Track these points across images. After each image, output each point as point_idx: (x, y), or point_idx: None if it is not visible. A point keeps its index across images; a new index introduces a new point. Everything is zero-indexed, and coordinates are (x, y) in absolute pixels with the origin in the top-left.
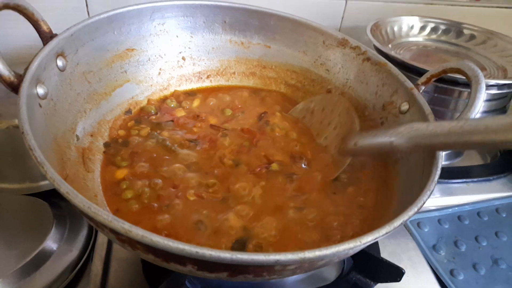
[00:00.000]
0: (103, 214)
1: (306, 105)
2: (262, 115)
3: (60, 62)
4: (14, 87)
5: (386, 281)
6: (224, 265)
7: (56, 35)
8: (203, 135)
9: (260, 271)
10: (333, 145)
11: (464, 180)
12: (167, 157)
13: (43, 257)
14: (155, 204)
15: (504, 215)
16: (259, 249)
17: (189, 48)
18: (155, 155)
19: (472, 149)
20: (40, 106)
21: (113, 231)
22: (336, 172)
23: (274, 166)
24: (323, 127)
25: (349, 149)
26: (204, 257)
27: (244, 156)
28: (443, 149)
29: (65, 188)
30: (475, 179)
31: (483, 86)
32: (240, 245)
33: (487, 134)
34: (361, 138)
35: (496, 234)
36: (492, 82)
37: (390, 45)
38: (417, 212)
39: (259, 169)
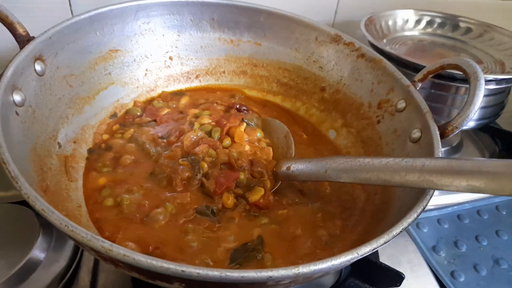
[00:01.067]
0: (81, 232)
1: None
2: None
3: (38, 67)
4: None
5: (385, 287)
6: (213, 284)
7: (33, 38)
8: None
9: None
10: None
11: None
12: (142, 160)
13: (30, 268)
14: (137, 215)
15: (504, 213)
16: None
17: (176, 47)
18: (133, 159)
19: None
20: (17, 114)
21: (93, 250)
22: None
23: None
24: None
25: (281, 172)
26: (191, 276)
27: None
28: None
29: (40, 205)
30: None
31: (482, 82)
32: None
33: (422, 173)
34: (295, 163)
35: (496, 233)
36: (490, 77)
37: (384, 40)
38: (416, 219)
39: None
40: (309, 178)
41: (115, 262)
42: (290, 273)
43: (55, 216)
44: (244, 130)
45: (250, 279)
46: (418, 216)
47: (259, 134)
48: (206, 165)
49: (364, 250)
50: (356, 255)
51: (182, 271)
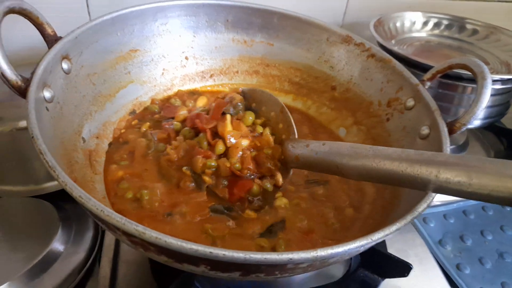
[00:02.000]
0: (117, 217)
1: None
2: None
3: (65, 65)
4: (22, 92)
5: (394, 277)
6: (237, 265)
7: (60, 38)
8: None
9: (273, 270)
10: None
11: None
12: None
13: (50, 259)
14: (159, 211)
15: (509, 209)
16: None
17: (192, 47)
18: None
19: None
20: (47, 109)
21: (126, 234)
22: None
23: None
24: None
25: (290, 156)
26: (218, 257)
27: None
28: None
29: (77, 192)
30: None
31: (489, 81)
32: None
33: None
34: (312, 143)
35: (501, 228)
36: (497, 77)
37: (393, 41)
38: (426, 209)
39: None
40: (321, 170)
41: (146, 245)
42: (309, 256)
43: (92, 203)
44: (231, 124)
45: (272, 261)
46: (428, 205)
47: (250, 118)
48: (208, 178)
49: (377, 236)
50: (370, 240)
51: (210, 252)
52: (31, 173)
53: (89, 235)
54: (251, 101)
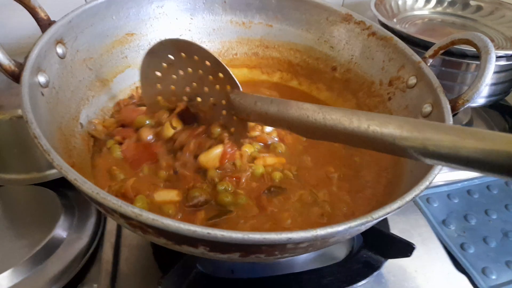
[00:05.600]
0: (113, 199)
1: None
2: None
3: (60, 50)
4: (15, 76)
5: (397, 257)
6: (236, 245)
7: (54, 22)
8: None
9: (273, 250)
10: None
11: None
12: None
13: (54, 245)
14: None
15: None
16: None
17: (189, 30)
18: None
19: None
20: (43, 94)
21: (123, 216)
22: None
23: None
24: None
25: (244, 115)
26: (216, 238)
27: None
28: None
29: (72, 175)
30: None
31: (493, 56)
32: None
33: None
34: (253, 107)
35: (506, 207)
36: (501, 53)
37: (395, 20)
38: (428, 187)
39: None
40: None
41: (144, 228)
42: (309, 235)
43: (88, 186)
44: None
45: (271, 240)
46: (430, 184)
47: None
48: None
49: (378, 214)
50: (370, 218)
51: (208, 233)
52: (33, 161)
53: (91, 221)
54: (178, 51)
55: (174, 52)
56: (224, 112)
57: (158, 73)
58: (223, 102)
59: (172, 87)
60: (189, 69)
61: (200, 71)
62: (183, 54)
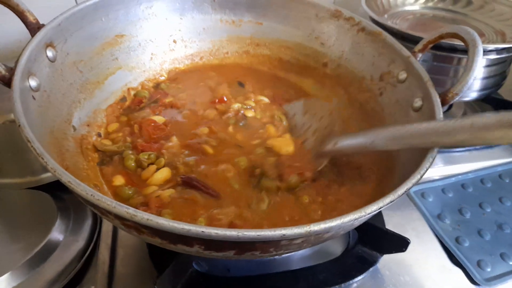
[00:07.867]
0: (107, 200)
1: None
2: None
3: (50, 53)
4: (6, 81)
5: (392, 252)
6: (230, 243)
7: (43, 25)
8: None
9: (267, 247)
10: (311, 149)
11: (466, 148)
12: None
13: (50, 249)
14: None
15: (507, 181)
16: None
17: (179, 30)
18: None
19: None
20: (34, 98)
21: (118, 217)
22: (313, 172)
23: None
24: (303, 131)
25: (327, 150)
26: (211, 236)
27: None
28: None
29: (66, 177)
30: (477, 147)
31: (481, 49)
32: None
33: (473, 132)
34: (341, 139)
35: (500, 199)
36: (491, 47)
37: (386, 15)
38: (420, 180)
39: None
40: (354, 150)
41: (139, 228)
42: (302, 231)
43: (81, 187)
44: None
45: (265, 237)
46: (421, 177)
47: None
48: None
49: (371, 209)
50: (363, 213)
51: (202, 231)
52: (27, 164)
53: (87, 223)
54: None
55: None
56: None
57: None
58: None
59: None
60: None
61: None
62: None
